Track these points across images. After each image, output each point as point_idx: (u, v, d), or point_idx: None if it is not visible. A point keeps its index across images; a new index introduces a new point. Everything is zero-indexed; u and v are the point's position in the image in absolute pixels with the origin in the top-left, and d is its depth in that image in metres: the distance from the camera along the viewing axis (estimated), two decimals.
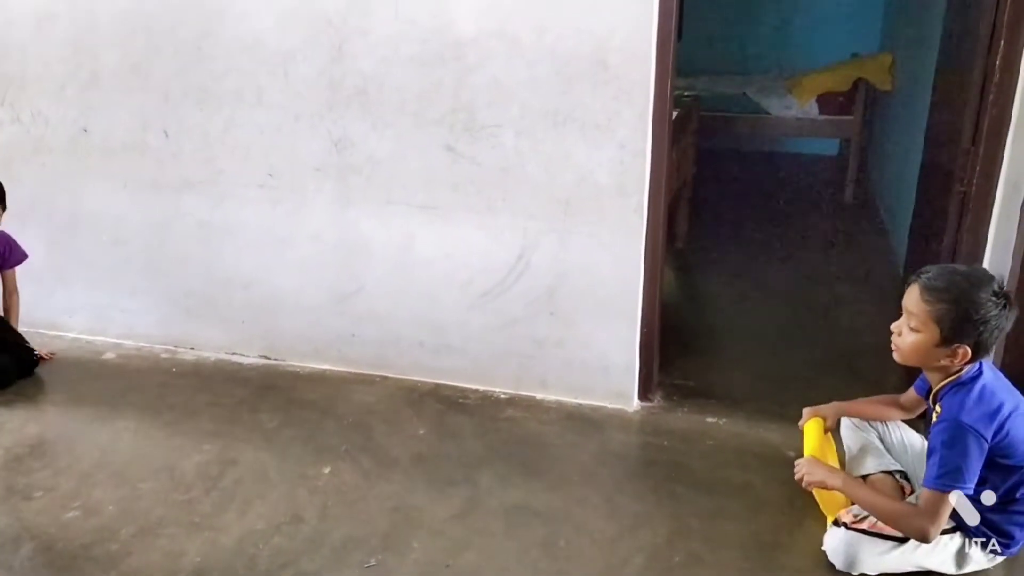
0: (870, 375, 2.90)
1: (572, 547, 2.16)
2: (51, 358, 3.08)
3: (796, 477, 2.18)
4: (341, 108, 2.73)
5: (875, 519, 2.03)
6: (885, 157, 4.80)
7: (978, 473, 1.92)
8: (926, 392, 2.12)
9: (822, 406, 2.40)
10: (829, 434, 2.36)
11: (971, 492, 1.93)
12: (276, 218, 2.92)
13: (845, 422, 2.38)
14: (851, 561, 2.04)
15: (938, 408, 2.01)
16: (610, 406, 2.80)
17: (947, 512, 1.94)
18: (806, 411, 2.41)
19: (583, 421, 2.74)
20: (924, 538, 1.96)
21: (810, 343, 3.23)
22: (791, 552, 2.14)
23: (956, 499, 1.93)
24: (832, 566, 2.06)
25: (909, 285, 1.99)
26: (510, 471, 2.47)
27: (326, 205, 2.86)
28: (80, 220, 3.13)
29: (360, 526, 2.23)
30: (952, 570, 2.04)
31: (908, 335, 1.99)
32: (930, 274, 1.96)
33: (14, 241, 3.05)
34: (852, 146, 5.03)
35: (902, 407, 2.32)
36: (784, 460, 2.41)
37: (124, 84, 2.90)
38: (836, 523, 2.10)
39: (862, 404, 2.38)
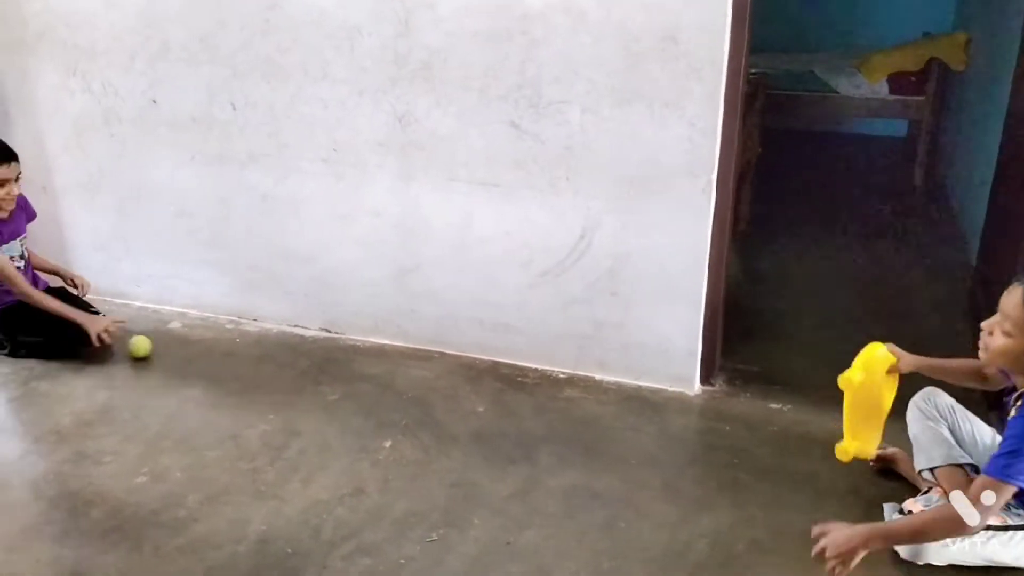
0: None
1: (632, 530, 2.14)
2: (122, 324, 3.09)
3: (816, 551, 1.94)
4: (405, 83, 2.72)
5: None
6: (958, 140, 4.65)
7: None
8: (1009, 385, 2.05)
9: (897, 349, 2.22)
10: (893, 376, 2.21)
11: None
12: (339, 193, 2.93)
13: (913, 411, 2.30)
14: (916, 551, 1.99)
15: (1019, 403, 1.94)
16: (670, 389, 2.77)
17: (997, 505, 1.83)
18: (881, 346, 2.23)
19: (643, 403, 2.71)
20: (968, 532, 1.85)
21: (877, 330, 3.13)
22: None
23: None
24: (897, 557, 2.01)
25: (1012, 286, 1.88)
26: (569, 451, 2.46)
27: (388, 181, 2.86)
28: (147, 191, 3.18)
29: (421, 501, 2.25)
30: None
31: (999, 338, 1.90)
32: None
33: (27, 199, 3.11)
34: (922, 128, 4.87)
35: (985, 378, 2.18)
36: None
37: (192, 56, 2.92)
38: (901, 512, 2.05)
39: (944, 362, 2.22)
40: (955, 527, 1.86)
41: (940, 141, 5.01)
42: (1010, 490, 1.84)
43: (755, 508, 2.22)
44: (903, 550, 2.00)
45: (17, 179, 2.92)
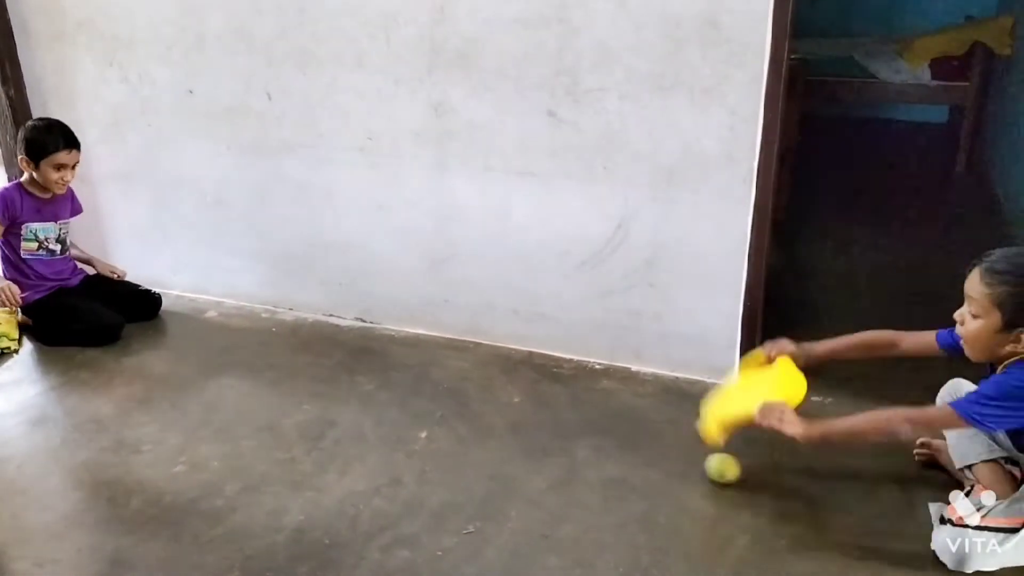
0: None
1: (672, 524, 2.12)
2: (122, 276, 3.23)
3: (764, 420, 2.07)
4: (441, 72, 2.70)
5: (982, 513, 1.94)
6: (1002, 127, 4.53)
7: (1004, 425, 1.93)
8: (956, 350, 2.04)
9: (785, 343, 2.25)
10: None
11: (991, 431, 1.98)
12: (374, 182, 2.92)
13: (940, 404, 2.26)
14: (960, 559, 1.93)
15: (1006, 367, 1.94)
16: (709, 381, 2.73)
17: (938, 428, 2.06)
18: (770, 346, 2.26)
19: (680, 395, 2.68)
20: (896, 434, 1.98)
21: (918, 321, 3.07)
22: (902, 540, 2.05)
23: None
24: (941, 564, 1.96)
25: (970, 270, 1.93)
26: (606, 443, 2.44)
27: (424, 170, 2.84)
28: (184, 180, 3.19)
29: (457, 492, 2.23)
30: None
31: (970, 322, 1.92)
32: (992, 257, 1.90)
33: (74, 194, 3.17)
34: (965, 114, 4.76)
35: (898, 347, 2.23)
36: (894, 445, 2.30)
37: (228, 46, 2.92)
38: (942, 520, 2.00)
39: (835, 343, 2.25)
40: (889, 435, 2.00)
41: (983, 127, 4.90)
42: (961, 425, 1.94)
43: (797, 503, 2.18)
44: (948, 559, 1.94)
45: (74, 167, 2.98)
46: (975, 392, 1.95)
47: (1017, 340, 1.87)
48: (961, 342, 1.99)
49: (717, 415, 2.20)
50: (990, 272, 1.88)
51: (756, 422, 2.09)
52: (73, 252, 3.19)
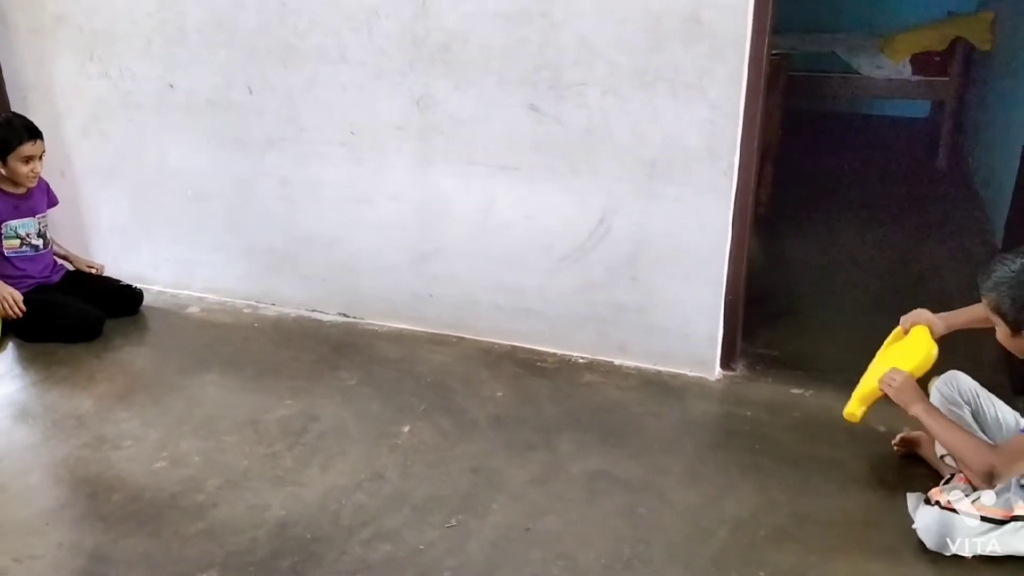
0: (964, 348, 2.74)
1: (654, 516, 2.13)
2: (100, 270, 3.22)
3: (882, 385, 2.12)
4: (424, 66, 2.69)
5: (969, 502, 1.95)
6: (983, 122, 4.57)
7: None
8: None
9: (922, 313, 2.27)
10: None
11: None
12: (357, 177, 2.91)
13: (935, 395, 2.28)
14: (943, 541, 1.96)
15: None
16: (691, 374, 2.74)
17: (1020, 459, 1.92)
18: (907, 318, 2.29)
19: (663, 388, 2.69)
20: (989, 475, 1.93)
21: (900, 314, 3.10)
22: (881, 530, 2.07)
23: None
24: (924, 546, 1.98)
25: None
26: (589, 437, 2.44)
27: (407, 165, 2.84)
28: (165, 175, 3.17)
29: (440, 486, 2.24)
30: None
31: (998, 330, 1.99)
32: (986, 269, 1.97)
33: (48, 184, 3.15)
34: (946, 109, 4.79)
35: None
36: (875, 436, 2.33)
37: (209, 40, 2.91)
38: (928, 502, 2.02)
39: (971, 312, 2.23)
40: (983, 469, 1.94)
41: (964, 122, 4.94)
42: None
43: (777, 494, 2.19)
44: (930, 539, 1.97)
45: (41, 157, 2.95)
46: None
47: None
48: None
49: (857, 391, 2.21)
50: (983, 284, 1.96)
51: (880, 390, 2.13)
52: (52, 248, 3.17)
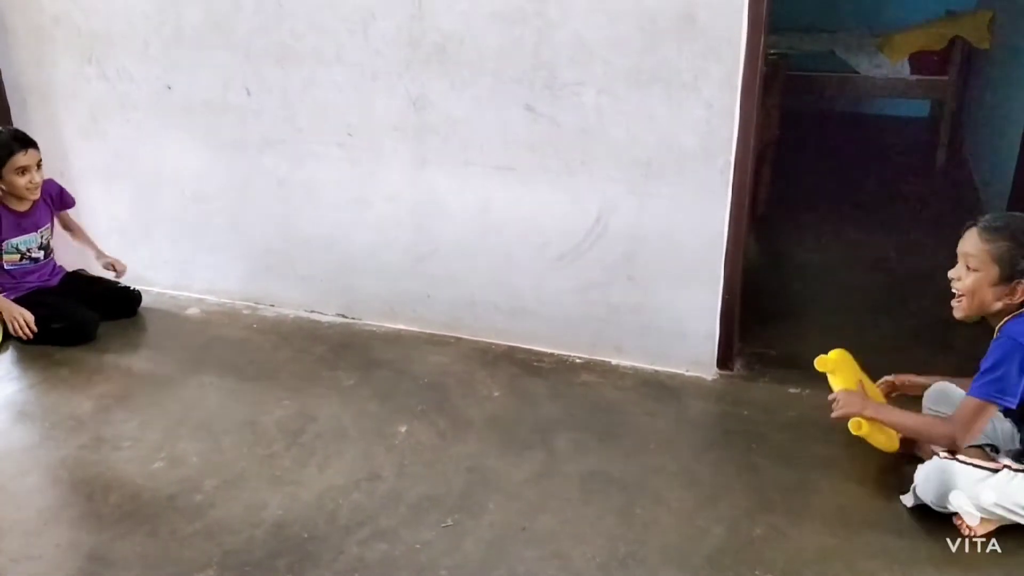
0: (961, 346, 2.76)
1: (649, 516, 2.13)
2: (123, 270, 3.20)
3: (834, 415, 2.21)
4: (420, 66, 2.70)
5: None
6: (982, 120, 4.57)
7: (1018, 390, 1.96)
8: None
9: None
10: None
11: (1012, 406, 1.98)
12: (354, 178, 2.92)
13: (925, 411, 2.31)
14: (943, 491, 1.99)
15: (998, 334, 2.05)
16: (687, 374, 2.75)
17: (981, 423, 2.03)
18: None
19: (659, 388, 2.69)
20: (952, 445, 2.03)
21: (898, 313, 3.11)
22: (878, 529, 2.07)
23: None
24: (921, 542, 1.99)
25: (965, 231, 2.08)
26: (586, 436, 2.45)
27: (403, 165, 2.84)
28: (163, 177, 3.18)
29: (436, 486, 2.24)
30: None
31: (968, 277, 2.06)
32: (988, 217, 2.08)
33: (62, 187, 3.15)
34: (945, 108, 4.79)
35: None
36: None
37: (206, 42, 2.91)
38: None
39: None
40: (945, 441, 2.05)
41: (963, 121, 4.94)
42: (993, 409, 2.02)
43: (774, 493, 2.20)
44: (929, 492, 2.01)
45: (39, 166, 2.93)
46: (979, 374, 2.03)
47: (1012, 292, 2.01)
48: (955, 303, 2.11)
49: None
50: (988, 230, 2.04)
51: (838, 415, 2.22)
52: (82, 236, 3.19)
